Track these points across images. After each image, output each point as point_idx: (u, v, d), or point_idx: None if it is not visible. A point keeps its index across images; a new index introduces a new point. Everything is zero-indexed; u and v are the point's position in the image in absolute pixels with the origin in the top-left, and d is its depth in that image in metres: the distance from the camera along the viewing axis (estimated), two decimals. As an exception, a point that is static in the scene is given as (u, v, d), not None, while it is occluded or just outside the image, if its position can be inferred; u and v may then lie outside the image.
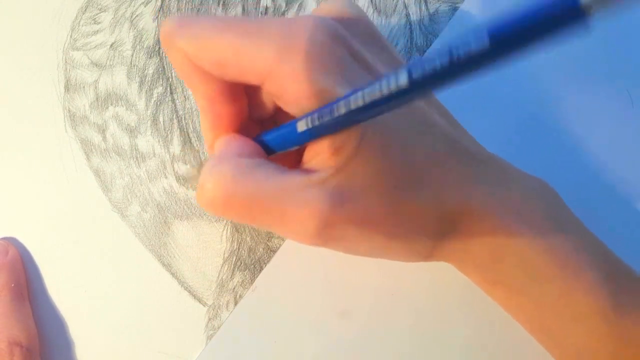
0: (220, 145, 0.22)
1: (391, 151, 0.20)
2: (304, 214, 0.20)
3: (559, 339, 0.22)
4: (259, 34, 0.20)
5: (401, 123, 0.21)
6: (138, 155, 0.29)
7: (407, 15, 0.29)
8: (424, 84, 0.15)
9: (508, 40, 0.14)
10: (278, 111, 0.23)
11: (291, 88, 0.19)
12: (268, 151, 0.22)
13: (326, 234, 0.20)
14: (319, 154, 0.20)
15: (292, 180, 0.20)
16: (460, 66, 0.14)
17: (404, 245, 0.21)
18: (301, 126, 0.20)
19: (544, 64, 0.28)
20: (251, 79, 0.20)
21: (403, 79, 0.16)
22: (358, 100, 0.17)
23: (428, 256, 0.22)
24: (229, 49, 0.20)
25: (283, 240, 0.28)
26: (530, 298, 0.22)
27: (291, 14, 0.29)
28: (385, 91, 0.16)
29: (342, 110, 0.18)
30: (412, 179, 0.20)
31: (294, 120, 0.21)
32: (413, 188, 0.20)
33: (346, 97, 0.18)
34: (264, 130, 0.23)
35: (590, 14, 0.12)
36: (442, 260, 0.23)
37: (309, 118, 0.19)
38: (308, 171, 0.20)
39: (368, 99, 0.17)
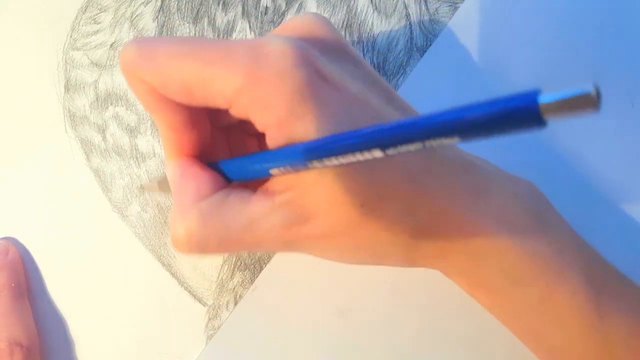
0: (175, 178, 0.22)
1: (357, 172, 0.20)
2: (273, 237, 0.20)
3: (543, 342, 0.22)
4: (225, 59, 0.19)
5: None
6: (138, 155, 0.29)
7: (407, 15, 0.29)
8: (399, 151, 0.16)
9: (470, 129, 0.14)
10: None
11: (258, 115, 0.19)
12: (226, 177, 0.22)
13: (295, 247, 0.21)
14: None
15: (257, 209, 0.20)
16: (429, 137, 0.15)
17: (374, 255, 0.22)
18: (273, 172, 0.20)
19: (543, 63, 0.28)
20: (219, 104, 0.20)
21: (378, 154, 0.16)
22: (333, 161, 0.17)
23: (404, 263, 0.22)
24: (195, 76, 0.19)
25: (283, 240, 0.28)
26: (512, 301, 0.22)
27: (291, 14, 0.29)
28: (360, 158, 0.17)
29: (316, 164, 0.18)
30: (380, 196, 0.20)
31: (257, 155, 0.21)
32: (381, 204, 0.20)
33: (319, 157, 0.18)
34: (229, 136, 0.24)
35: (547, 118, 0.13)
36: (420, 266, 0.23)
37: (281, 168, 0.19)
38: (271, 193, 0.21)
39: (344, 161, 0.17)
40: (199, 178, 0.22)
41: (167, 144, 0.22)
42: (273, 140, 0.20)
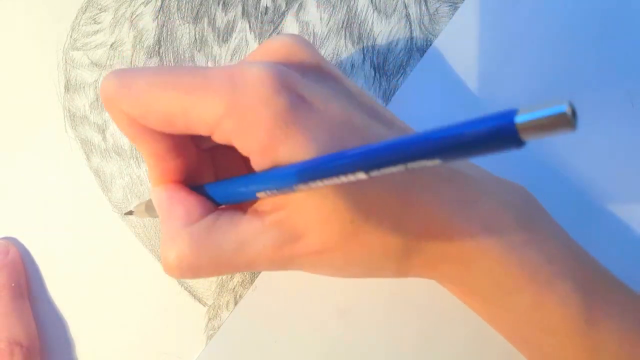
0: (163, 204, 0.22)
1: (345, 189, 0.20)
2: (265, 257, 0.21)
3: (535, 350, 0.22)
4: (205, 88, 0.19)
5: None
6: (138, 155, 0.29)
7: (407, 15, 0.29)
8: (382, 173, 0.16)
9: (449, 151, 0.14)
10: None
11: (241, 141, 0.19)
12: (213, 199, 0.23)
13: (288, 266, 0.21)
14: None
15: (247, 229, 0.21)
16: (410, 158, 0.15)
17: (366, 269, 0.22)
18: (260, 195, 0.20)
19: (543, 64, 0.28)
20: (201, 131, 0.20)
21: (361, 176, 0.16)
22: (317, 184, 0.18)
23: (395, 274, 0.22)
24: (174, 107, 0.19)
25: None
26: (503, 309, 0.22)
27: (291, 14, 0.29)
28: (344, 180, 0.17)
29: (301, 187, 0.18)
30: (369, 211, 0.20)
31: (243, 179, 0.21)
32: (370, 219, 0.20)
33: (304, 180, 0.18)
34: (215, 156, 0.24)
35: (524, 137, 0.13)
36: (412, 276, 0.23)
37: (267, 192, 0.20)
38: (261, 213, 0.21)
39: (329, 183, 0.17)
40: (187, 202, 0.22)
41: (153, 171, 0.22)
42: (257, 165, 0.20)
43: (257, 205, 0.22)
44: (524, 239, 0.21)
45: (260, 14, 0.29)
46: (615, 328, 0.21)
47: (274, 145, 0.19)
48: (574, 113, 0.12)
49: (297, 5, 0.29)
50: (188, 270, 0.21)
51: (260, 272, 0.28)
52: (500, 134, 0.13)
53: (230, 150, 0.21)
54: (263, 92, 0.19)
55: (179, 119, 0.20)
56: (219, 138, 0.20)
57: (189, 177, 0.23)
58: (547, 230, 0.22)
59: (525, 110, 0.13)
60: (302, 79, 0.20)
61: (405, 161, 0.15)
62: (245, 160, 0.24)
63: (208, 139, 0.21)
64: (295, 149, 0.19)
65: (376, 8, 0.29)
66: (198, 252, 0.21)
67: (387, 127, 0.21)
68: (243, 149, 0.20)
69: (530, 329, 0.22)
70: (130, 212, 0.28)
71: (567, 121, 0.12)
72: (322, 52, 0.29)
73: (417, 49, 0.29)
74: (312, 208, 0.20)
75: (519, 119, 0.13)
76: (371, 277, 0.23)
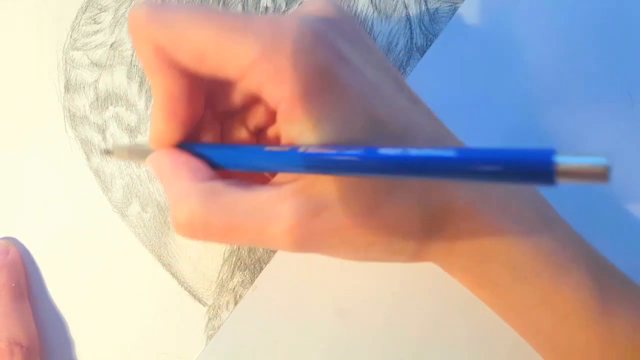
0: (166, 167, 0.21)
1: None
2: (281, 228, 0.19)
3: (548, 339, 0.22)
4: (243, 28, 0.19)
5: (385, 125, 0.20)
6: (138, 155, 0.29)
7: (407, 15, 0.29)
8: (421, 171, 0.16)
9: (479, 174, 0.15)
10: (248, 106, 0.22)
11: (272, 89, 0.19)
12: (215, 167, 0.21)
13: (306, 243, 0.20)
14: None
15: (264, 196, 0.20)
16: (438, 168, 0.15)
17: (386, 247, 0.21)
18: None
19: (543, 64, 0.28)
20: (230, 74, 0.19)
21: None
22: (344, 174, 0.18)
23: (413, 257, 0.22)
24: (210, 41, 0.19)
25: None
26: (516, 296, 0.22)
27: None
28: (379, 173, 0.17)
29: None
30: (392, 186, 0.20)
31: (259, 151, 0.20)
32: (394, 192, 0.20)
33: (325, 171, 0.18)
34: (223, 125, 0.23)
35: (558, 179, 0.13)
36: (427, 260, 0.22)
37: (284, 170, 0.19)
38: (277, 182, 0.20)
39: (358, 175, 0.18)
40: (193, 163, 0.21)
41: (159, 113, 0.21)
42: (284, 116, 0.19)
43: (273, 176, 0.21)
44: (539, 226, 0.21)
45: (260, 14, 0.29)
46: (628, 316, 0.21)
47: (307, 96, 0.18)
48: (610, 167, 0.13)
49: (297, 5, 0.29)
50: (200, 228, 0.20)
51: (260, 272, 0.28)
52: (537, 170, 0.14)
53: (241, 123, 0.21)
54: (304, 42, 0.19)
55: (211, 55, 0.19)
56: (249, 83, 0.19)
57: (191, 135, 0.22)
58: (555, 220, 0.22)
59: (566, 154, 0.13)
60: (340, 39, 0.20)
61: (432, 175, 0.15)
62: (255, 138, 0.23)
63: (225, 99, 0.20)
64: (327, 105, 0.19)
65: (376, 8, 0.29)
66: (211, 210, 0.20)
67: (412, 102, 0.22)
68: (273, 96, 0.19)
69: (542, 315, 0.22)
70: (109, 152, 0.27)
71: (603, 174, 0.13)
72: (322, 52, 0.29)
73: (417, 49, 0.29)
74: (335, 180, 0.19)
75: (560, 160, 0.13)
76: (389, 260, 0.22)
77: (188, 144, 0.22)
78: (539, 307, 0.22)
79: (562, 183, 0.13)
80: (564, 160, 0.13)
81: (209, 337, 0.28)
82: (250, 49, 0.18)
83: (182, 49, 0.19)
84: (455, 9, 0.29)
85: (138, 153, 0.24)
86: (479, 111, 0.28)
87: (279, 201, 0.19)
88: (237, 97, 0.22)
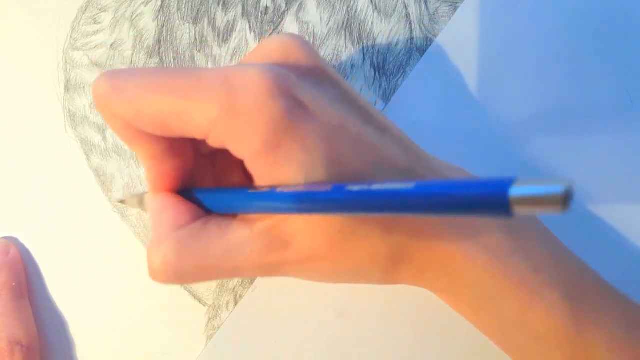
0: (154, 210, 0.22)
1: None
2: (252, 265, 0.21)
3: (525, 356, 0.22)
4: (199, 90, 0.19)
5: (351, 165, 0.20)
6: (138, 155, 0.29)
7: (407, 15, 0.29)
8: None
9: (436, 208, 0.15)
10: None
11: (235, 146, 0.19)
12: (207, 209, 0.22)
13: (277, 274, 0.22)
14: None
15: (236, 236, 0.21)
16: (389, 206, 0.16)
17: (353, 275, 0.22)
18: (251, 213, 0.21)
19: (543, 63, 0.28)
20: (195, 135, 0.20)
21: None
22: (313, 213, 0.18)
23: (383, 282, 0.22)
24: (168, 110, 0.19)
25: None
26: (492, 316, 0.22)
27: (291, 13, 0.29)
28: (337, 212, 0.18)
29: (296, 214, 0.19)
30: (357, 220, 0.20)
31: (238, 193, 0.21)
32: (359, 229, 0.20)
33: (299, 211, 0.18)
34: (215, 160, 0.24)
35: (515, 210, 0.13)
36: (398, 283, 0.23)
37: (260, 212, 0.20)
38: (250, 220, 0.21)
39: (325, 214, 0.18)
40: (177, 208, 0.22)
41: (150, 173, 0.22)
42: (252, 169, 0.20)
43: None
44: (511, 247, 0.21)
45: (260, 14, 0.29)
46: (603, 334, 0.21)
47: (267, 151, 0.19)
48: (569, 195, 0.12)
49: (297, 5, 0.29)
50: (173, 274, 0.21)
51: (260, 272, 0.28)
52: (491, 202, 0.13)
53: (229, 154, 0.21)
54: (259, 96, 0.19)
55: (172, 123, 0.19)
56: (214, 142, 0.20)
57: (187, 181, 0.23)
58: (534, 237, 0.22)
59: (522, 183, 0.13)
60: (298, 82, 0.20)
61: (393, 211, 0.16)
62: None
63: (205, 142, 0.20)
64: (289, 156, 0.19)
65: (376, 8, 0.29)
66: (183, 257, 0.21)
67: (380, 132, 0.21)
68: (237, 153, 0.20)
69: (518, 336, 0.22)
70: (123, 201, 0.27)
71: (559, 203, 0.12)
72: (322, 52, 0.29)
73: (417, 49, 0.29)
74: (301, 217, 0.20)
75: (515, 192, 0.13)
76: (359, 283, 0.23)
77: (185, 188, 0.23)
78: (513, 328, 0.22)
79: (520, 214, 0.13)
80: (518, 192, 0.13)
81: (209, 337, 0.28)
82: (207, 112, 0.19)
83: (144, 122, 0.20)
84: (455, 9, 0.28)
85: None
86: (478, 111, 0.28)
87: (252, 239, 0.21)
88: (211, 145, 0.22)
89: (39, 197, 0.29)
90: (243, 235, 0.21)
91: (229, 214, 0.22)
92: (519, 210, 0.13)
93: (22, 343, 0.26)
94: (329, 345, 0.27)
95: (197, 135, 0.20)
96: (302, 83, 0.20)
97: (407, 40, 0.29)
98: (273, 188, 0.19)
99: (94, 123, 0.29)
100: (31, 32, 0.30)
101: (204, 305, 0.28)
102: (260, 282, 0.28)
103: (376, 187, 0.16)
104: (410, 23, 0.29)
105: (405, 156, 0.21)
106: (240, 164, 0.24)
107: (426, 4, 0.29)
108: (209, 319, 0.28)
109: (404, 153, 0.21)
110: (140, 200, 0.26)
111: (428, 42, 0.28)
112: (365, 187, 0.16)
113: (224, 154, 0.24)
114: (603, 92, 0.28)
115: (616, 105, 0.27)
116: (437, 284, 0.22)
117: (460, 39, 0.28)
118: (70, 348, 0.28)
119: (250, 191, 0.20)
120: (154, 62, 0.29)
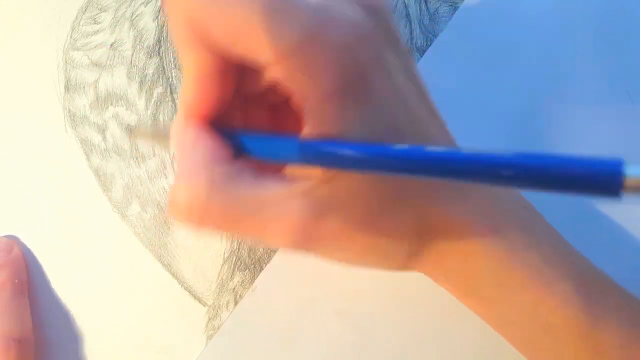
0: (184, 142, 0.20)
1: (377, 176, 0.19)
2: (285, 226, 0.19)
3: (537, 350, 0.22)
4: (286, 11, 0.17)
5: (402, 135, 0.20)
6: (138, 155, 0.29)
7: (407, 15, 0.29)
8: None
9: (541, 176, 0.14)
10: (271, 90, 0.21)
11: (302, 82, 0.18)
12: (241, 151, 0.20)
13: (303, 245, 0.20)
14: None
15: (272, 190, 0.19)
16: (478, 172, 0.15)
17: (379, 256, 0.21)
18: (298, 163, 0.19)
19: (543, 63, 0.28)
20: (261, 59, 0.18)
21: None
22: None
23: (402, 267, 0.22)
24: (247, 21, 0.17)
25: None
26: (503, 309, 0.22)
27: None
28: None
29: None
30: (395, 196, 0.20)
31: (287, 142, 0.19)
32: (395, 204, 0.20)
33: (350, 167, 0.18)
34: (247, 106, 0.22)
35: (625, 192, 0.12)
36: (416, 269, 0.23)
37: (310, 164, 0.19)
38: (289, 178, 0.20)
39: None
40: (212, 144, 0.20)
41: (189, 94, 0.20)
42: (311, 111, 0.18)
43: (287, 168, 0.20)
44: (527, 242, 0.21)
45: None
46: (616, 330, 0.21)
47: (336, 97, 0.18)
48: None
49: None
50: (197, 214, 0.19)
51: (260, 272, 0.28)
52: (603, 181, 0.13)
53: (264, 102, 0.20)
54: (348, 39, 0.18)
55: (246, 37, 0.18)
56: (278, 72, 0.18)
57: (218, 119, 0.21)
58: (543, 233, 0.22)
59: (636, 165, 0.12)
60: (383, 40, 0.19)
61: (480, 179, 0.15)
62: (277, 117, 0.23)
63: (254, 80, 0.20)
64: (352, 108, 0.18)
65: (376, 8, 0.29)
66: (213, 197, 0.19)
67: (430, 113, 0.21)
68: (302, 90, 0.18)
69: (531, 330, 0.22)
70: (132, 131, 0.26)
71: None
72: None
73: (417, 49, 0.29)
74: (343, 185, 0.19)
75: (630, 172, 0.12)
76: (380, 267, 0.22)
77: (215, 125, 0.21)
78: (524, 320, 0.22)
79: (628, 197, 0.12)
80: (634, 173, 0.12)
81: (209, 337, 0.28)
82: (288, 35, 0.17)
83: (216, 26, 0.18)
84: (455, 9, 0.29)
85: (161, 134, 0.24)
86: (479, 111, 0.28)
87: (286, 200, 0.19)
88: (264, 82, 0.21)
89: (39, 197, 0.29)
90: (279, 192, 0.19)
91: (265, 166, 0.20)
92: (631, 193, 0.12)
93: (18, 338, 0.26)
94: (329, 345, 0.27)
95: (264, 58, 0.18)
96: (387, 45, 0.20)
97: (407, 40, 0.29)
98: (331, 138, 0.18)
99: (94, 123, 0.29)
100: (31, 32, 0.30)
101: (204, 305, 0.28)
102: (260, 282, 0.28)
103: (466, 152, 0.15)
104: (410, 23, 0.29)
105: (447, 142, 0.22)
106: (271, 112, 0.23)
107: (426, 4, 0.29)
108: (209, 319, 0.28)
109: (446, 139, 0.22)
110: (158, 133, 0.23)
111: (428, 42, 0.29)
112: (447, 152, 0.15)
113: (258, 100, 0.22)
114: (603, 92, 0.28)
115: (616, 105, 0.27)
116: (453, 275, 0.22)
117: (460, 39, 0.28)
118: (70, 347, 0.28)
119: (302, 140, 0.19)
120: (154, 62, 0.29)
